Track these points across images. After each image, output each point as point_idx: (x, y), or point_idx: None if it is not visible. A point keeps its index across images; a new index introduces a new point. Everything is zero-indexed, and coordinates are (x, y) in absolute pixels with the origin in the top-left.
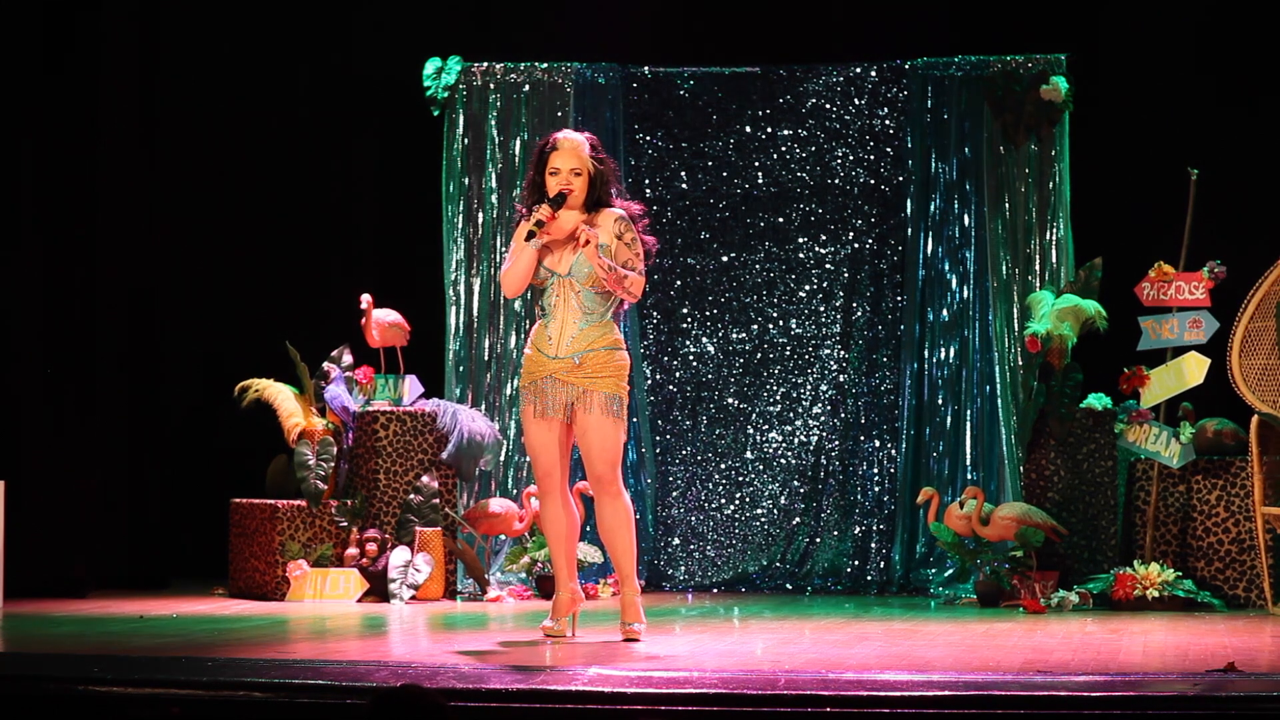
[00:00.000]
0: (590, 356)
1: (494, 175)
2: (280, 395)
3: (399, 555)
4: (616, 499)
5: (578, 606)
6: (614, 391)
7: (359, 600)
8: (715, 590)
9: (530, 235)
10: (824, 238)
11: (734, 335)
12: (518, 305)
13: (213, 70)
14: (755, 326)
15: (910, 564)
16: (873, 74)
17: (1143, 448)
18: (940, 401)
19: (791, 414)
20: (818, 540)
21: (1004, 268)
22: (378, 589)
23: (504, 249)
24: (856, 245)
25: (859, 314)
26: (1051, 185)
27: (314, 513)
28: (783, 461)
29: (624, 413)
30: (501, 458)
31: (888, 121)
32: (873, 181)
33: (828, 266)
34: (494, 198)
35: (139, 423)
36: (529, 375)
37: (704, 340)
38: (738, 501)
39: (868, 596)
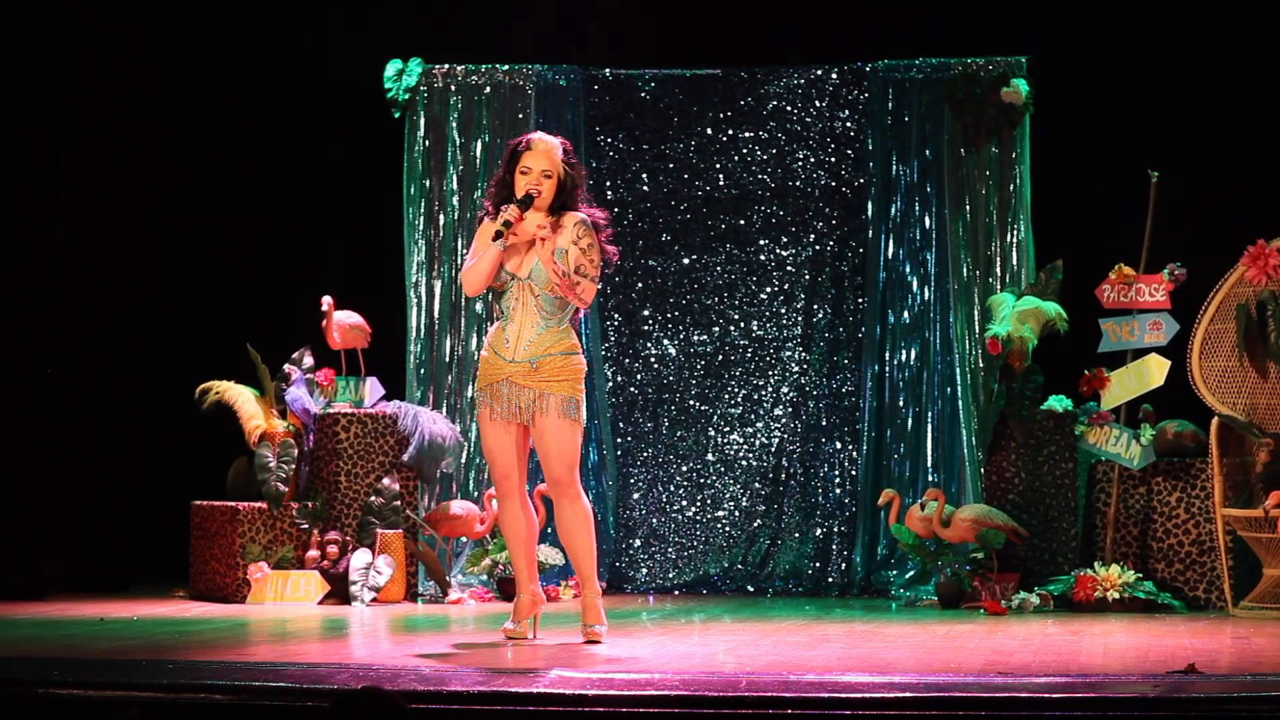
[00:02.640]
0: (546, 361)
1: (455, 177)
2: (241, 397)
3: (360, 557)
4: (575, 501)
5: (539, 608)
6: (570, 394)
7: (320, 602)
8: (676, 592)
9: (498, 235)
10: (785, 240)
11: (695, 337)
12: (479, 307)
13: (174, 70)
14: (716, 328)
15: (871, 566)
16: (833, 76)
17: (1103, 450)
18: (901, 403)
19: (753, 416)
20: (779, 542)
21: (965, 270)
22: (339, 591)
23: (465, 251)
24: (817, 247)
25: (820, 316)
26: (1012, 187)
27: (275, 515)
28: (744, 463)
29: (581, 415)
30: (463, 460)
31: (849, 124)
32: (834, 184)
33: (789, 268)
34: (455, 200)
35: (99, 424)
36: (485, 378)
37: (665, 342)
38: (699, 503)
39: (829, 598)
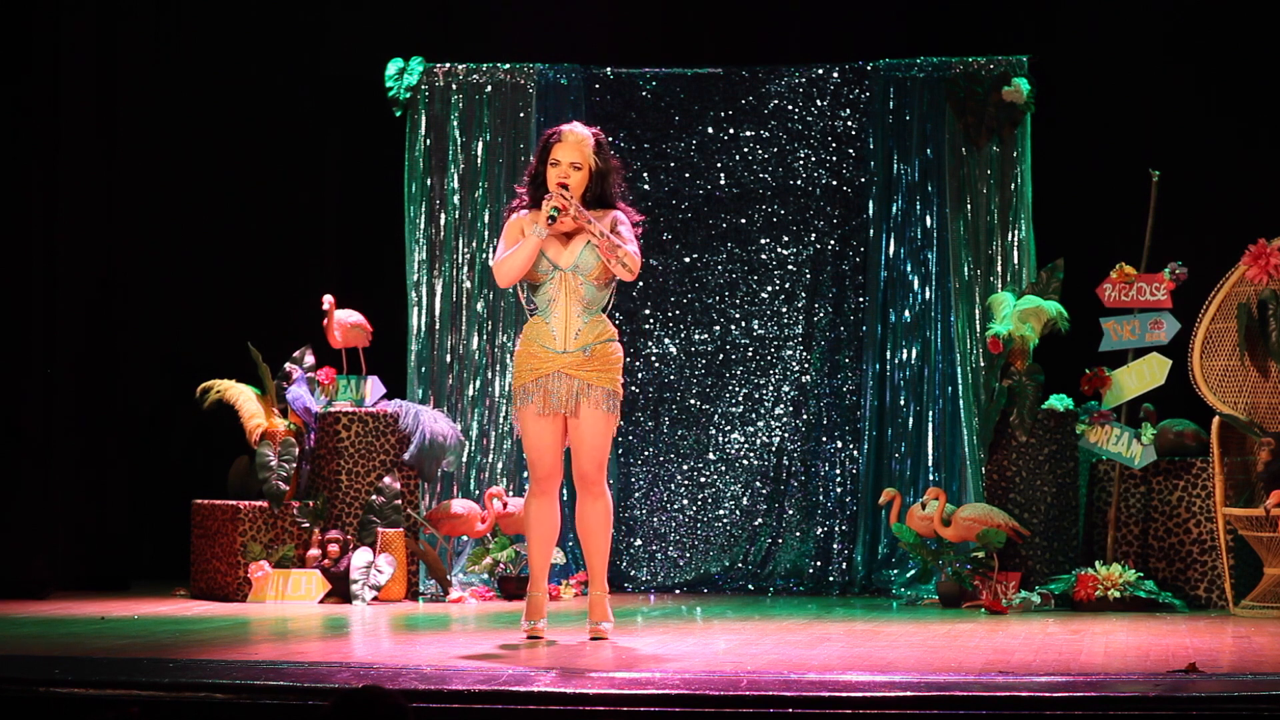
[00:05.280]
0: (598, 349)
1: (456, 176)
2: (242, 396)
3: (361, 556)
4: (599, 498)
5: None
6: (613, 387)
7: (321, 601)
8: (678, 591)
9: (552, 220)
10: (786, 239)
11: (696, 336)
12: (480, 306)
13: (175, 67)
14: (717, 327)
15: (872, 565)
16: (835, 75)
17: (1104, 449)
18: (902, 402)
19: (753, 415)
20: (780, 541)
21: (966, 269)
22: (340, 590)
23: (465, 249)
24: (819, 246)
25: (821, 315)
26: (1013, 186)
27: (276, 514)
28: (745, 462)
29: (618, 411)
30: (463, 458)
31: (850, 123)
32: (835, 183)
33: (790, 268)
34: (456, 199)
35: (100, 423)
36: (532, 372)
37: (666, 341)
38: (700, 502)
39: (830, 597)
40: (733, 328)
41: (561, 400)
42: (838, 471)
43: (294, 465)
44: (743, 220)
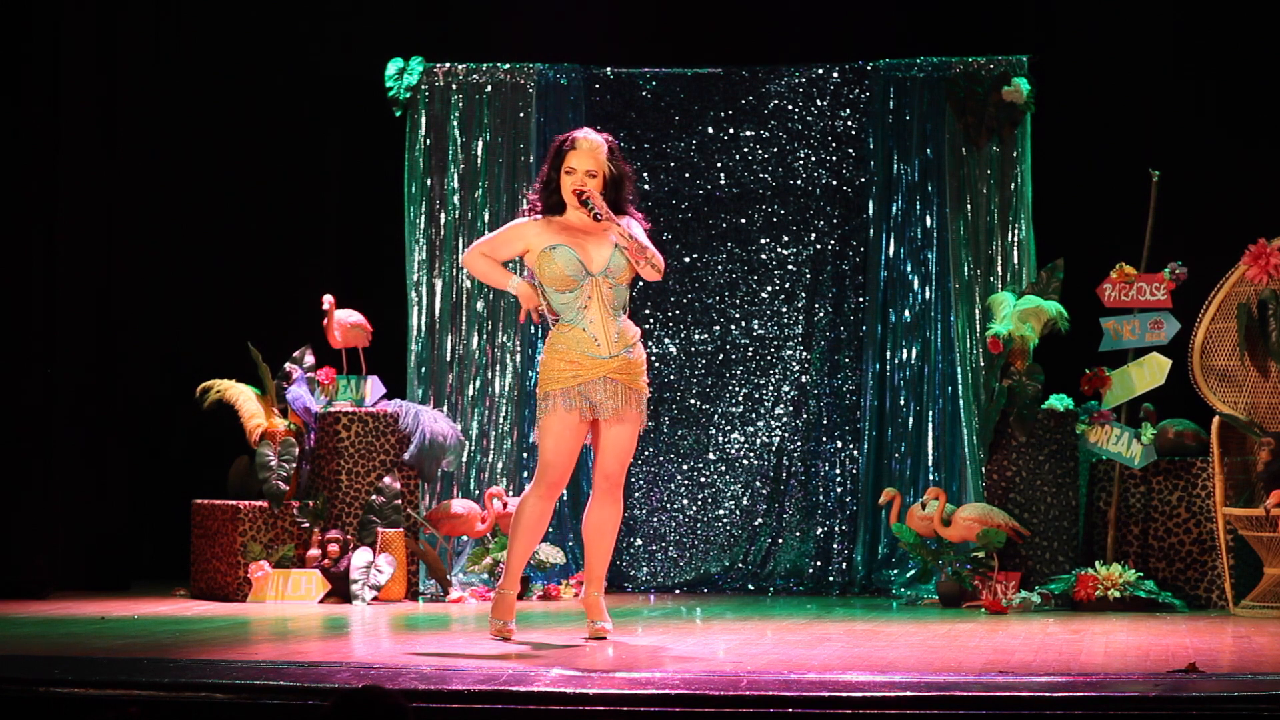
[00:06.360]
0: (634, 349)
1: (456, 176)
2: (242, 396)
3: (361, 556)
4: (618, 501)
5: None
6: (646, 392)
7: (321, 601)
8: (678, 591)
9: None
10: (786, 239)
11: (696, 336)
12: (480, 306)
13: (175, 67)
14: (717, 327)
15: (872, 565)
16: (834, 75)
17: (1104, 449)
18: (902, 402)
19: (753, 415)
20: (780, 541)
21: (966, 269)
22: (339, 590)
23: (465, 249)
24: (819, 246)
25: (821, 315)
26: (1013, 186)
27: (276, 514)
28: (745, 462)
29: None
30: (463, 458)
31: (850, 122)
32: (835, 182)
33: (790, 267)
34: (456, 198)
35: (100, 423)
36: (575, 379)
37: (666, 341)
38: (700, 502)
39: (830, 597)
40: (733, 328)
41: (606, 405)
42: (838, 471)
43: (294, 465)
44: (743, 220)
